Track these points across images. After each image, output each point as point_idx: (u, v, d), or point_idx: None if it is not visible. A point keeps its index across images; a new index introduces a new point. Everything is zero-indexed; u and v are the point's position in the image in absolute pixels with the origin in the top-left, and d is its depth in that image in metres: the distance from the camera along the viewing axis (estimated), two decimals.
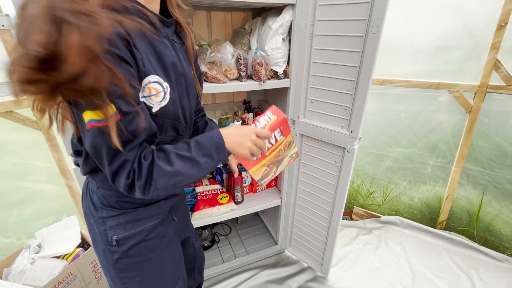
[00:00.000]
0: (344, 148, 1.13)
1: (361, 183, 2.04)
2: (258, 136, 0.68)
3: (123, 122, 0.49)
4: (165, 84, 0.59)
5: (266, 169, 0.78)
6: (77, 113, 0.49)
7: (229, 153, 0.66)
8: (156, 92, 0.57)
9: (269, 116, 0.72)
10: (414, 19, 1.62)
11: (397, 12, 1.57)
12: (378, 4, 0.88)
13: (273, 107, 0.75)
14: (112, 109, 0.47)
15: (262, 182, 0.81)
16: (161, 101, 0.58)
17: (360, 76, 0.99)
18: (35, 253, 1.29)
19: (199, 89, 0.79)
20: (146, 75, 0.55)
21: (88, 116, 0.47)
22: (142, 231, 0.71)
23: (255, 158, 0.71)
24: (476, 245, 1.66)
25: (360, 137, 1.09)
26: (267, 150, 0.74)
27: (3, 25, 1.17)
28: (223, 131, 0.66)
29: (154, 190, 0.55)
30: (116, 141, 0.47)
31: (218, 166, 0.63)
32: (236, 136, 0.66)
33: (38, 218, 1.43)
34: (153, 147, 0.58)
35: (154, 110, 0.58)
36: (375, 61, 0.94)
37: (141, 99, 0.56)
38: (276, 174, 0.85)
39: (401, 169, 1.90)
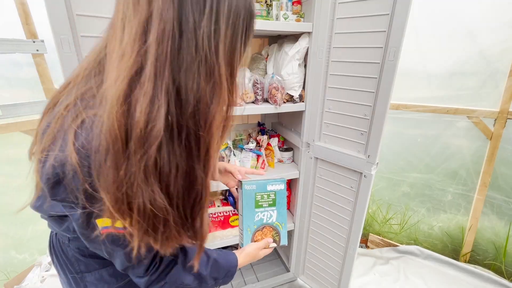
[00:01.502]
0: (361, 173, 1.11)
1: (376, 209, 1.96)
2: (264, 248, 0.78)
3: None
4: None
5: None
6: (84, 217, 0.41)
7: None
8: None
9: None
10: (427, 45, 1.64)
11: (409, 37, 1.59)
12: (394, 33, 0.90)
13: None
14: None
15: None
16: None
17: (377, 101, 0.99)
18: (46, 271, 1.28)
19: None
20: None
21: (105, 222, 0.41)
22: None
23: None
24: (505, 281, 1.53)
25: (377, 162, 1.07)
26: None
27: (37, 50, 1.27)
28: (241, 256, 0.72)
29: None
30: (137, 248, 0.41)
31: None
32: (249, 257, 0.74)
33: None
34: None
35: None
36: (392, 87, 0.94)
37: None
38: None
39: (419, 196, 1.83)
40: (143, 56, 0.33)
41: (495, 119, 1.48)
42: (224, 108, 0.40)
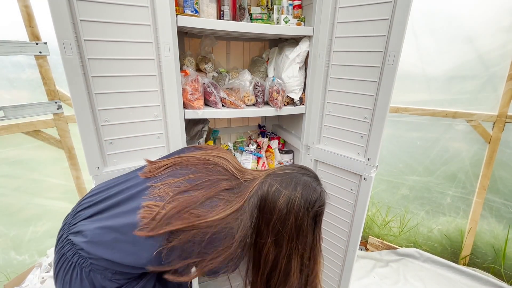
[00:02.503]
0: (361, 176, 1.12)
1: (376, 212, 1.97)
2: None
3: None
4: None
5: None
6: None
7: None
8: None
9: None
10: (426, 49, 1.66)
11: (409, 41, 1.61)
12: (394, 37, 0.91)
13: None
14: None
15: None
16: None
17: (377, 105, 1.00)
18: (46, 272, 1.28)
19: None
20: None
21: None
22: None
23: None
24: (504, 284, 1.54)
25: (377, 165, 1.08)
26: None
27: (40, 52, 1.28)
28: None
29: None
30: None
31: None
32: None
33: (51, 235, 1.45)
34: None
35: None
36: (392, 90, 0.95)
37: None
38: None
39: (418, 198, 1.84)
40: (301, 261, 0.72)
41: (494, 123, 1.49)
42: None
